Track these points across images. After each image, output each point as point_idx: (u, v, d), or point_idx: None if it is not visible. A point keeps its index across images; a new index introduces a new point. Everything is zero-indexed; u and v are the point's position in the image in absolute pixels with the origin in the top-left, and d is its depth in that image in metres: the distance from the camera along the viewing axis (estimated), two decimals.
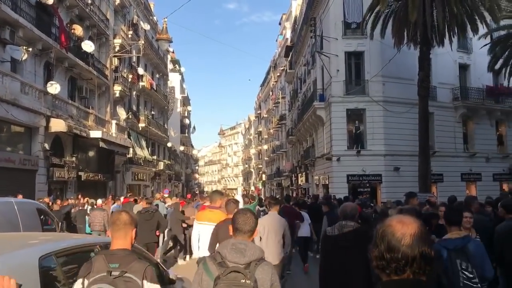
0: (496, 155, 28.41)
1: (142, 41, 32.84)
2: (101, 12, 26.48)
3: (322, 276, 4.93)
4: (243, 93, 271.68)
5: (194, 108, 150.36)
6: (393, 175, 24.13)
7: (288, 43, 47.45)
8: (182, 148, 59.50)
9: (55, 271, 3.55)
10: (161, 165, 41.91)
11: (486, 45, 23.82)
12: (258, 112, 77.65)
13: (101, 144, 23.18)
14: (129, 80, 31.47)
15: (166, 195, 25.74)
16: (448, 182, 25.15)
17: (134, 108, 34.33)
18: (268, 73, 68.16)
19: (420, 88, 19.85)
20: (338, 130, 25.04)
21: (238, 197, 12.06)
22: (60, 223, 10.73)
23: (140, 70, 34.11)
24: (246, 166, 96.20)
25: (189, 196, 27.27)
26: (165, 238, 13.01)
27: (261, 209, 15.19)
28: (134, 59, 33.54)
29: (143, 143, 36.79)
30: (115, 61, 28.89)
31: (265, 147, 67.91)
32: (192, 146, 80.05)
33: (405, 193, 8.92)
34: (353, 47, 25.48)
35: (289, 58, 45.38)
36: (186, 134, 66.28)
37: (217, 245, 4.75)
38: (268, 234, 6.91)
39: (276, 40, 62.24)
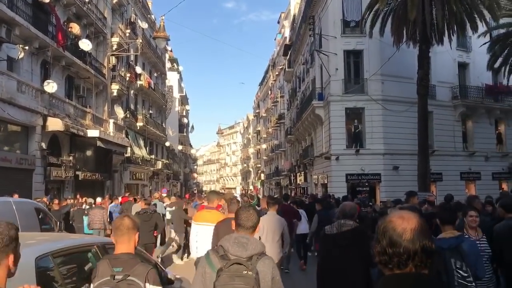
0: (495, 154, 28.37)
1: (139, 40, 32.73)
2: (99, 10, 26.33)
3: (320, 274, 4.94)
4: (241, 92, 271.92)
5: (193, 107, 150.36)
6: (392, 174, 24.07)
7: (287, 41, 47.33)
8: (180, 147, 59.40)
9: (51, 271, 3.53)
10: (159, 165, 41.79)
11: (485, 43, 23.76)
12: (257, 111, 77.57)
13: (99, 143, 23.04)
14: (127, 79, 31.33)
15: (164, 195, 25.65)
16: (447, 181, 25.08)
17: (132, 107, 34.20)
18: (266, 72, 68.06)
19: (420, 87, 19.79)
20: (337, 129, 24.96)
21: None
22: (58, 223, 10.69)
23: (138, 69, 34.00)
24: (245, 165, 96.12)
25: (187, 196, 27.15)
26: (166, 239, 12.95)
27: (258, 208, 15.09)
28: (132, 57, 33.41)
29: (141, 142, 36.65)
30: (113, 60, 28.75)
31: (264, 146, 67.83)
32: (191, 146, 79.94)
33: (406, 192, 8.83)
34: (352, 46, 25.40)
35: (287, 57, 45.29)
36: (185, 134, 66.18)
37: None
38: (267, 233, 6.94)
39: (275, 39, 62.12)
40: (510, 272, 5.55)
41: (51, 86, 18.97)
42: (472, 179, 27.59)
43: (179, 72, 62.48)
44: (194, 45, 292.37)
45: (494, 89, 28.27)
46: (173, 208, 14.96)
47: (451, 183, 24.72)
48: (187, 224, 11.61)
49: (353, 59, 25.79)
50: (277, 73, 57.01)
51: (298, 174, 39.46)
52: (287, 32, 50.41)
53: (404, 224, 1.66)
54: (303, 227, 11.29)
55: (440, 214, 4.71)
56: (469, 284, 3.90)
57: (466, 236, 5.09)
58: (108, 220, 14.25)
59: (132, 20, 33.49)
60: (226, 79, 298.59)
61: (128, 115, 31.36)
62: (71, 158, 22.12)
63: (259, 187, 70.82)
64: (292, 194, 32.77)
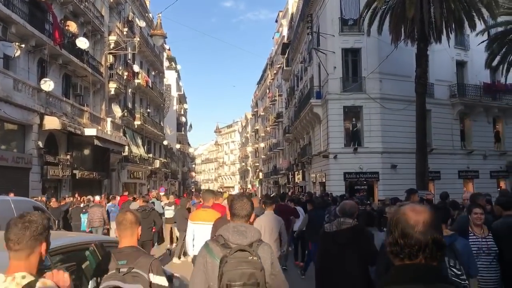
0: (493, 153, 28.36)
1: (137, 38, 32.62)
2: (96, 8, 26.22)
3: (318, 272, 4.96)
4: (240, 91, 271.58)
5: (191, 106, 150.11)
6: (390, 173, 24.05)
7: (285, 40, 47.28)
8: (178, 146, 59.31)
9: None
10: (157, 163, 41.70)
11: (483, 41, 23.72)
12: (255, 110, 77.47)
13: (96, 142, 22.95)
14: (125, 77, 31.24)
15: (162, 193, 25.60)
16: (445, 180, 25.06)
17: (130, 105, 34.09)
18: (264, 71, 67.98)
19: (418, 85, 19.76)
20: (335, 127, 24.91)
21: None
22: (57, 221, 10.66)
23: (136, 68, 33.90)
24: (243, 164, 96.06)
25: (185, 195, 27.13)
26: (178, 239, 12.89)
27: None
28: (130, 56, 33.31)
29: (139, 141, 36.56)
30: (110, 58, 28.65)
31: (262, 145, 67.78)
32: (189, 144, 79.89)
33: (406, 189, 8.81)
34: (350, 44, 25.35)
35: (285, 56, 45.20)
36: (183, 132, 66.05)
37: None
38: (265, 233, 6.93)
39: (273, 38, 62.05)
40: (510, 271, 5.48)
41: (48, 85, 18.89)
42: (470, 177, 27.58)
43: (177, 71, 62.33)
44: (192, 44, 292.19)
45: (492, 87, 28.25)
46: (172, 207, 15.01)
47: (449, 182, 24.72)
48: None
49: (351, 57, 25.73)
50: (275, 71, 56.93)
51: (296, 172, 39.42)
52: (285, 31, 50.36)
53: (416, 217, 1.72)
54: (301, 224, 11.29)
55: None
56: (462, 282, 3.92)
57: (471, 234, 5.08)
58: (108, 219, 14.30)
59: (129, 18, 33.38)
60: (224, 78, 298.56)
61: (125, 114, 31.26)
62: (68, 157, 22.05)
63: (257, 185, 70.79)
64: (289, 193, 32.75)
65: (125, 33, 30.78)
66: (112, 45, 28.64)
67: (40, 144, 19.29)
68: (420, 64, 19.66)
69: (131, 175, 34.01)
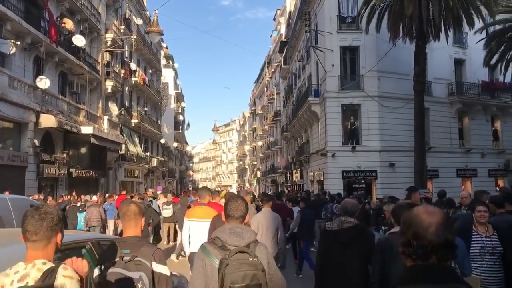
0: (491, 151, 28.34)
1: (134, 36, 32.46)
2: (93, 6, 26.05)
3: (318, 271, 4.94)
4: (237, 90, 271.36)
5: (188, 104, 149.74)
6: (388, 171, 24.01)
7: (283, 38, 47.17)
8: (175, 144, 59.14)
9: None
10: (154, 162, 41.54)
11: (481, 40, 23.66)
12: (253, 108, 77.37)
13: (93, 140, 22.81)
14: (121, 75, 31.09)
15: (159, 192, 25.50)
16: (443, 178, 25.04)
17: (127, 104, 33.92)
18: (262, 69, 67.89)
19: (416, 83, 19.70)
20: (333, 125, 24.82)
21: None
22: None
23: (133, 66, 33.75)
24: (241, 163, 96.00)
25: (182, 193, 27.04)
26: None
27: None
28: (127, 54, 33.15)
29: (136, 140, 36.42)
30: (107, 56, 28.51)
31: (260, 143, 67.70)
32: (186, 143, 79.71)
33: (407, 187, 8.72)
34: (348, 42, 25.26)
35: (283, 54, 45.10)
36: (180, 131, 65.89)
37: None
38: (263, 230, 7.04)
39: (271, 36, 61.87)
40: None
41: (43, 82, 18.73)
42: (469, 176, 27.56)
43: (174, 69, 62.16)
44: (190, 42, 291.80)
45: (490, 85, 28.23)
46: (170, 206, 14.94)
47: (448, 180, 24.69)
48: None
49: (349, 55, 25.64)
50: (273, 70, 56.85)
51: (294, 171, 39.36)
52: (283, 29, 50.24)
53: (430, 218, 1.74)
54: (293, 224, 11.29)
55: None
56: None
57: (475, 232, 4.93)
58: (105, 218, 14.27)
59: (126, 16, 33.23)
60: (222, 77, 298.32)
61: (122, 112, 31.11)
62: (64, 155, 21.89)
63: (255, 184, 70.74)
64: (286, 192, 32.72)
65: (122, 31, 30.61)
66: (109, 43, 28.49)
67: (36, 142, 19.12)
68: (418, 62, 19.59)
69: (128, 173, 33.87)
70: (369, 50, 24.38)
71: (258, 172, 69.34)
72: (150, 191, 24.72)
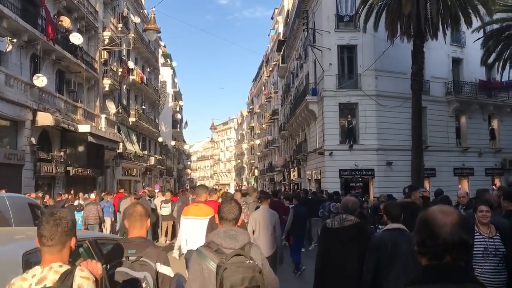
0: (488, 150, 28.41)
1: (132, 34, 32.39)
2: (90, 4, 25.95)
3: (318, 268, 4.94)
4: (235, 88, 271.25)
5: (186, 103, 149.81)
6: (385, 170, 24.04)
7: (281, 37, 47.13)
8: (173, 143, 59.07)
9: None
10: (152, 160, 41.49)
11: (479, 39, 23.69)
12: (251, 107, 77.34)
13: (90, 138, 22.74)
14: (119, 73, 31.00)
15: (157, 190, 25.44)
16: (440, 177, 25.11)
17: (124, 102, 33.86)
18: (260, 68, 67.84)
19: (414, 82, 19.71)
20: (331, 124, 24.84)
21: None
22: None
23: (130, 64, 33.69)
24: (239, 161, 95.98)
25: (180, 191, 27.04)
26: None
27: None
28: (124, 52, 33.07)
29: (134, 138, 36.35)
30: (105, 54, 28.42)
31: (258, 142, 67.68)
32: (184, 141, 79.59)
33: (407, 185, 8.72)
34: (345, 41, 25.26)
35: (281, 53, 45.09)
36: (178, 129, 65.82)
37: None
38: (260, 227, 7.10)
39: (269, 35, 61.85)
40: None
41: (40, 80, 18.66)
42: (466, 174, 27.61)
43: (172, 68, 62.05)
44: (188, 41, 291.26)
45: (487, 84, 28.30)
46: (169, 204, 14.94)
47: (445, 179, 24.75)
48: None
49: (347, 54, 25.65)
50: (270, 69, 56.81)
51: (291, 169, 39.37)
52: (280, 28, 50.21)
53: (444, 218, 1.75)
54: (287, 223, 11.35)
55: (421, 209, 4.80)
56: None
57: (477, 233, 4.77)
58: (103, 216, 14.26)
59: (124, 14, 33.14)
60: (220, 76, 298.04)
61: (120, 110, 31.05)
62: (61, 153, 21.81)
63: (252, 183, 70.72)
64: (283, 190, 32.76)
65: (119, 29, 30.53)
66: (106, 41, 28.41)
67: (33, 140, 19.06)
68: (416, 61, 19.60)
69: (125, 172, 33.81)
70: (366, 49, 24.39)
71: (256, 171, 69.35)
72: (147, 189, 24.57)
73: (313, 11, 28.23)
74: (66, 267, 2.25)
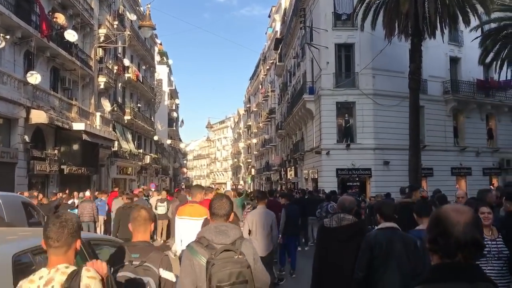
0: (486, 150, 28.33)
1: (128, 32, 32.11)
2: (85, 1, 25.68)
3: (316, 267, 4.98)
4: (232, 87, 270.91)
5: (183, 101, 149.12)
6: (382, 169, 23.93)
7: (278, 35, 46.95)
8: (169, 141, 58.80)
9: (31, 269, 3.22)
10: (147, 159, 41.23)
11: (477, 38, 23.58)
12: (248, 105, 77.19)
13: (84, 136, 22.50)
14: (114, 71, 30.75)
15: (152, 189, 25.23)
16: (438, 177, 25.01)
17: (120, 100, 33.60)
18: (257, 66, 67.68)
19: (411, 81, 19.59)
20: (328, 123, 24.70)
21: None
22: (46, 217, 10.41)
23: (126, 62, 33.43)
24: (235, 160, 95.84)
25: (176, 190, 26.85)
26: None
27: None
28: (120, 50, 32.81)
29: (129, 136, 36.10)
30: (100, 52, 28.17)
31: (254, 141, 67.53)
32: (180, 140, 79.31)
33: (408, 185, 8.58)
34: (343, 39, 25.11)
35: (278, 51, 44.93)
36: (174, 128, 65.52)
37: None
38: (257, 227, 7.12)
39: (266, 33, 61.70)
40: None
41: (34, 78, 18.40)
42: (463, 174, 27.54)
43: (168, 66, 61.79)
44: (184, 39, 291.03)
45: (485, 84, 28.23)
46: (164, 203, 14.81)
47: (442, 179, 24.65)
48: None
49: (344, 52, 25.51)
50: (268, 67, 56.64)
51: (288, 169, 39.23)
52: (278, 26, 50.04)
53: (458, 217, 1.74)
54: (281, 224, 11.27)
55: (416, 207, 4.87)
56: None
57: None
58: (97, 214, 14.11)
59: (120, 11, 32.90)
60: (217, 75, 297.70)
61: (115, 108, 30.80)
62: (56, 151, 21.60)
63: (249, 182, 70.58)
64: (279, 189, 32.63)
65: (115, 26, 30.29)
66: (101, 39, 28.16)
67: (27, 138, 18.82)
68: (413, 59, 19.47)
69: (120, 170, 33.56)
70: (364, 48, 24.24)
71: (253, 170, 69.19)
72: (142, 188, 24.35)
73: (311, 9, 28.07)
74: (73, 268, 2.30)
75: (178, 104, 73.94)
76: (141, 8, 40.70)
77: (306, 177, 29.81)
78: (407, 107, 19.95)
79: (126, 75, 33.73)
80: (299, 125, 32.68)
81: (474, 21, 20.40)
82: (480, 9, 19.96)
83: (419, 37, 19.32)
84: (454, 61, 28.25)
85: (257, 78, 66.55)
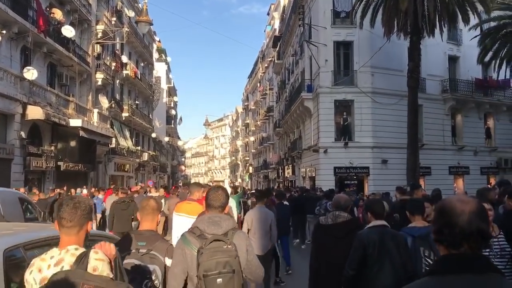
0: (484, 149, 28.30)
1: (126, 28, 31.96)
2: None
3: (313, 264, 5.06)
4: (231, 85, 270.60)
5: (181, 99, 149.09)
6: (380, 168, 23.86)
7: (277, 33, 46.84)
8: (167, 139, 58.68)
9: (22, 264, 3.24)
10: (145, 156, 41.12)
11: (476, 36, 23.51)
12: (246, 103, 77.07)
13: (81, 133, 22.38)
14: (112, 68, 30.60)
15: (150, 186, 25.13)
16: (436, 175, 24.96)
17: (118, 97, 33.47)
18: (256, 64, 67.54)
19: (410, 79, 19.51)
20: (326, 121, 24.61)
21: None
22: (43, 213, 10.51)
23: (124, 58, 33.27)
24: (233, 158, 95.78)
25: (174, 187, 26.77)
26: None
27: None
28: (118, 46, 32.65)
29: (127, 133, 35.97)
30: (98, 48, 28.03)
31: (252, 139, 67.45)
32: (179, 138, 79.16)
33: (410, 184, 8.56)
34: (342, 37, 25.01)
35: (277, 49, 44.80)
36: (172, 125, 65.40)
37: None
38: (256, 226, 7.19)
39: (264, 31, 61.54)
40: None
41: (31, 73, 18.29)
42: (461, 173, 27.51)
43: (167, 63, 61.60)
44: (183, 36, 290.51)
45: (484, 83, 28.18)
46: (162, 200, 14.68)
47: (440, 177, 24.60)
48: None
49: (343, 50, 25.41)
50: (266, 65, 56.55)
51: (286, 167, 39.15)
52: (276, 24, 49.92)
53: (462, 207, 1.72)
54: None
55: (409, 205, 4.92)
56: None
57: None
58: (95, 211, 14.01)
59: (118, 8, 32.72)
60: (216, 72, 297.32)
61: (113, 105, 30.65)
62: (52, 148, 21.49)
63: (247, 180, 70.52)
64: (276, 187, 32.57)
65: (113, 22, 30.12)
66: (99, 35, 28.03)
67: (23, 134, 18.69)
68: (412, 58, 19.39)
69: (118, 167, 33.46)
70: (363, 46, 24.16)
71: (251, 168, 69.14)
72: (139, 186, 24.23)
73: (309, 6, 27.97)
74: (82, 250, 2.37)
75: (177, 101, 73.84)
76: (139, 5, 40.49)
77: (304, 175, 29.74)
78: (406, 106, 19.88)
79: (124, 72, 33.57)
80: (297, 123, 32.60)
81: (473, 20, 20.34)
82: (479, 8, 19.88)
83: (418, 35, 19.24)
84: (453, 60, 28.18)
85: (256, 76, 66.44)
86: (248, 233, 7.05)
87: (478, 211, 1.72)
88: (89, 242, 4.23)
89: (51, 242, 3.61)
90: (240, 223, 9.54)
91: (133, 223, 9.99)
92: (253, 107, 67.14)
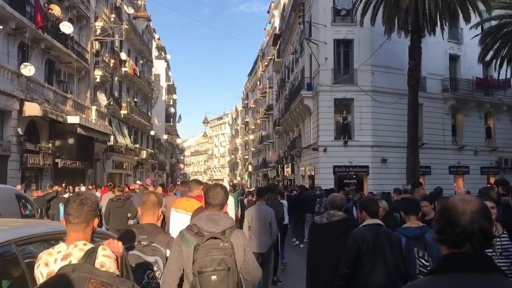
0: (484, 148, 28.16)
1: (125, 25, 31.78)
2: None
3: (310, 263, 5.11)
4: (230, 83, 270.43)
5: (180, 97, 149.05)
6: (380, 167, 23.74)
7: (276, 31, 46.67)
8: (166, 137, 58.52)
9: (14, 260, 3.26)
10: (144, 154, 40.94)
11: (477, 35, 23.37)
12: (245, 102, 76.91)
13: (79, 130, 22.25)
14: (111, 65, 30.44)
15: (148, 184, 25.01)
16: (436, 175, 24.82)
17: (116, 94, 33.32)
18: (255, 62, 67.39)
19: (410, 78, 19.39)
20: (325, 120, 24.46)
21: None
22: (40, 210, 10.44)
23: (123, 55, 33.11)
24: (233, 156, 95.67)
25: (172, 185, 26.69)
26: None
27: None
28: (117, 43, 32.50)
29: (125, 131, 35.80)
30: (96, 45, 27.88)
31: (252, 137, 67.31)
32: (178, 136, 78.99)
33: (411, 182, 8.47)
34: (342, 35, 24.85)
35: (277, 47, 44.63)
36: (171, 123, 65.24)
37: None
38: (256, 223, 7.24)
39: (264, 29, 61.38)
40: None
41: (28, 69, 18.15)
42: (461, 173, 27.39)
43: (166, 61, 61.42)
44: (183, 33, 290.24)
45: (484, 82, 28.03)
46: None
47: (440, 177, 24.43)
48: None
49: (343, 48, 25.25)
50: (266, 63, 56.38)
51: (285, 165, 39.02)
52: (277, 22, 49.75)
53: (465, 206, 1.71)
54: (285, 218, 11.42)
55: (404, 205, 4.97)
56: None
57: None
58: None
59: (117, 4, 32.60)
60: (215, 70, 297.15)
61: (111, 103, 30.50)
62: (50, 145, 21.37)
63: (246, 178, 70.42)
64: (277, 186, 32.35)
65: (112, 19, 30.00)
66: (98, 32, 27.88)
67: (20, 131, 18.56)
68: (413, 56, 19.27)
69: (116, 165, 33.30)
70: (363, 44, 24.01)
71: (250, 166, 69.00)
72: (137, 184, 24.10)
73: (310, 4, 27.80)
74: (90, 245, 2.41)
75: (176, 99, 73.65)
76: (139, 2, 40.31)
77: (303, 174, 29.62)
78: (406, 105, 19.75)
79: (123, 69, 33.41)
80: (296, 122, 32.47)
81: (474, 18, 20.19)
82: (481, 6, 19.75)
83: (419, 33, 19.10)
84: (454, 59, 28.03)
85: (255, 75, 66.30)
86: (248, 230, 7.17)
87: (481, 210, 1.71)
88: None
89: (46, 238, 3.62)
90: (238, 221, 9.45)
91: (129, 221, 9.87)
92: (253, 106, 66.99)
